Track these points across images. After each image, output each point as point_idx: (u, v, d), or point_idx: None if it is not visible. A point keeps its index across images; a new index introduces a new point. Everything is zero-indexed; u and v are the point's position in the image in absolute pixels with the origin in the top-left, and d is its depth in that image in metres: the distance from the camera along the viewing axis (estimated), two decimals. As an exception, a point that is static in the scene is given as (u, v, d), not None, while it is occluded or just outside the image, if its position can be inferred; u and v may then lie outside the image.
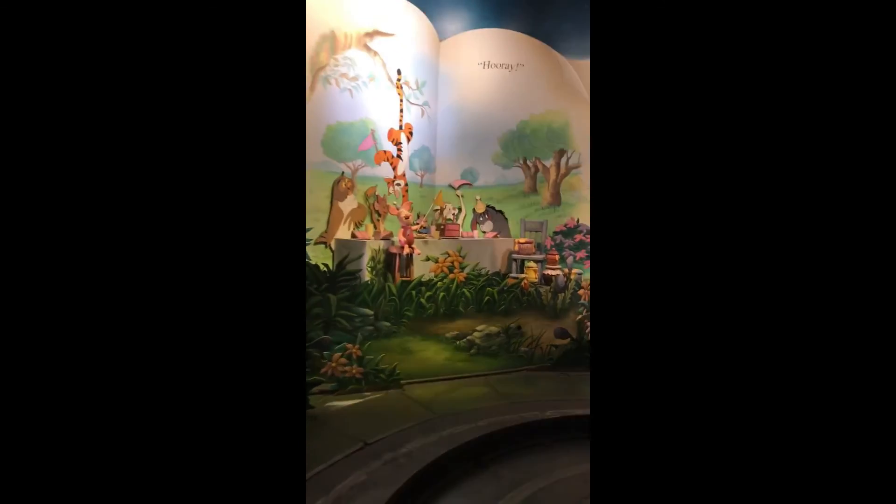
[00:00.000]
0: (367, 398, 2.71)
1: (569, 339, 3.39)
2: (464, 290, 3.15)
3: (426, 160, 4.43)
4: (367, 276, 3.05)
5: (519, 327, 3.31)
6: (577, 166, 4.57)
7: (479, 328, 3.19)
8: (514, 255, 4.10)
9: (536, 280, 3.88)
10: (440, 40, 4.52)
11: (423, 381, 2.94)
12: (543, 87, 4.51)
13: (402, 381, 2.88)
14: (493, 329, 3.21)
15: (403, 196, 4.04)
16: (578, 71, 4.50)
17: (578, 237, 4.46)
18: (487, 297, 3.19)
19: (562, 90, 4.51)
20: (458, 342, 3.14)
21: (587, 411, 1.08)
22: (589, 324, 3.69)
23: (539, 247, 4.32)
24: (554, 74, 4.52)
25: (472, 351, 3.16)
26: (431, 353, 3.05)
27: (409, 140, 4.16)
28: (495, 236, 4.31)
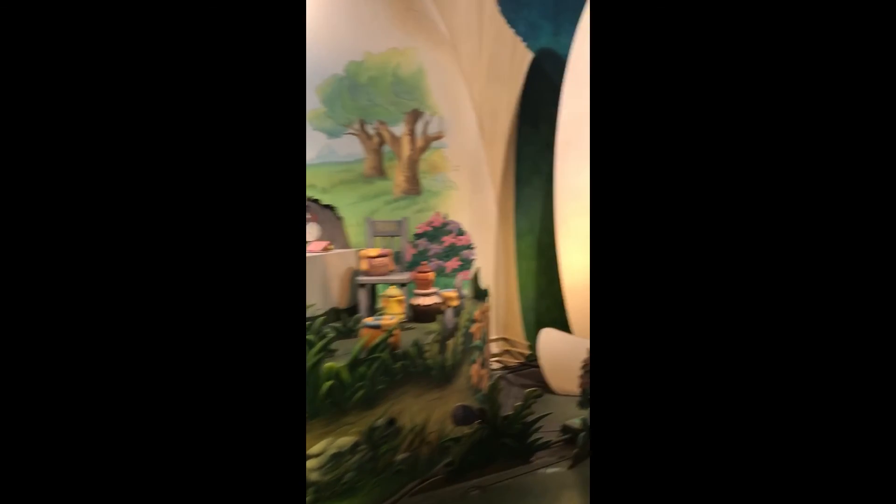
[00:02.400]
0: None
1: (477, 423, 2.01)
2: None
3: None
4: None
5: (392, 421, 1.82)
6: (438, 136, 3.22)
7: (315, 449, 1.60)
8: (362, 279, 2.57)
9: (403, 316, 2.41)
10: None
11: None
12: (382, 12, 3.04)
13: None
14: (345, 441, 1.67)
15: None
16: (431, -6, 3.15)
17: (448, 240, 3.12)
18: (331, 382, 1.62)
19: (410, 20, 3.11)
20: (272, 494, 1.48)
21: None
22: (501, 384, 2.35)
23: (398, 259, 2.87)
24: (396, -5, 3.09)
25: (307, 499, 1.55)
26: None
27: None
28: (326, 249, 2.70)
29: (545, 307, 3.46)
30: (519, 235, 3.52)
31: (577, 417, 2.30)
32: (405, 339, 2.08)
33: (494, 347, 3.40)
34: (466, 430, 2.00)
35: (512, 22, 3.35)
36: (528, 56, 3.40)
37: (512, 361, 3.42)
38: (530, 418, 2.11)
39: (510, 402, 2.68)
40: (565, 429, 2.32)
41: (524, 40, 3.37)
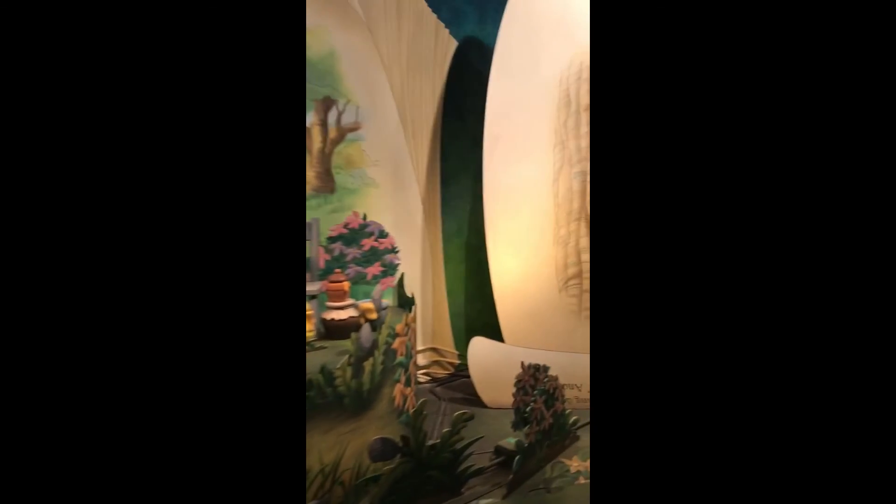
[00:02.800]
0: None
1: (399, 457, 1.75)
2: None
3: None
4: None
5: (294, 466, 1.48)
6: (355, 128, 2.92)
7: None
8: (264, 291, 2.20)
9: (313, 334, 2.11)
10: None
11: None
12: (287, -15, 2.69)
13: None
14: (231, 501, 1.32)
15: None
16: (343, -31, 2.85)
17: (368, 243, 2.84)
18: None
19: (319, -4, 2.78)
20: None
21: None
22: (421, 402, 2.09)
23: (308, 266, 2.54)
24: (303, -33, 2.75)
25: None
26: None
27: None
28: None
29: (475, 312, 3.26)
30: (446, 237, 3.30)
31: (511, 437, 2.10)
32: (314, 362, 1.78)
33: (422, 359, 3.16)
34: (387, 465, 1.73)
35: (434, 6, 3.12)
36: (452, 44, 3.18)
37: (441, 373, 3.19)
38: (460, 444, 1.88)
39: (438, 425, 2.44)
40: (498, 450, 2.12)
41: (447, 26, 3.15)
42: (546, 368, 2.09)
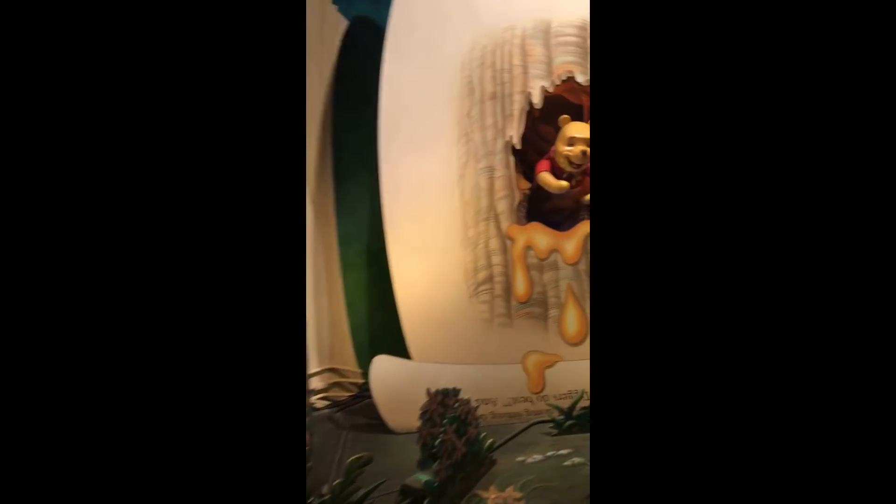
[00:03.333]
0: None
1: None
2: None
3: None
4: None
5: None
6: (225, 117, 2.48)
7: None
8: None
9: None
10: None
11: None
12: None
13: None
14: None
15: None
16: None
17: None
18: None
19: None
20: None
21: None
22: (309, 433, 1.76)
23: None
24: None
25: None
26: None
27: None
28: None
29: (379, 322, 2.97)
30: (344, 241, 2.98)
31: (420, 474, 1.83)
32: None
33: (319, 381, 2.81)
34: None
35: (319, -20, 2.77)
36: (341, 23, 2.86)
37: (343, 395, 2.87)
38: (356, 496, 1.58)
39: (337, 462, 2.12)
40: (405, 490, 1.84)
41: (335, 3, 2.82)
42: (456, 392, 1.85)
